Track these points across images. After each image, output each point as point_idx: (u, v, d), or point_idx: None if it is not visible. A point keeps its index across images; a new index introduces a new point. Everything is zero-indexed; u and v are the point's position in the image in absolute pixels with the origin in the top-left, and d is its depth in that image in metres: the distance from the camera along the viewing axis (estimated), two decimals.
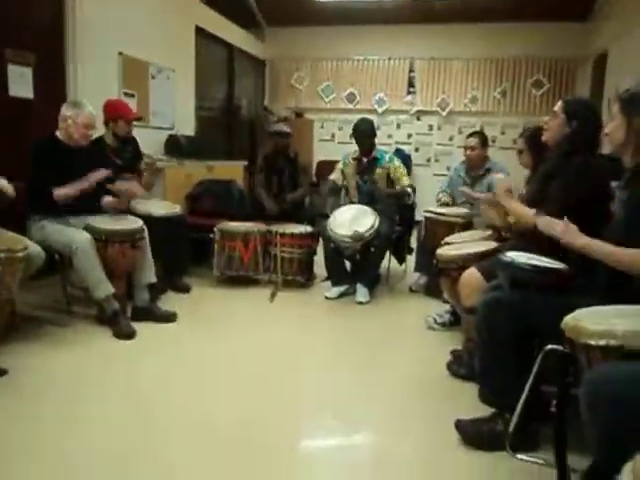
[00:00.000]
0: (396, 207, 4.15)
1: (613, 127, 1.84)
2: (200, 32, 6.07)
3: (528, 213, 2.29)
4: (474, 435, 2.01)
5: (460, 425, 2.05)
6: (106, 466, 1.83)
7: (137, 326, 3.05)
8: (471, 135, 4.19)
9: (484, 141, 4.10)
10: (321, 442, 2.13)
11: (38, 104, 3.85)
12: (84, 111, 3.09)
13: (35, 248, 2.75)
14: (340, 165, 4.30)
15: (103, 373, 2.56)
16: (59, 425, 2.07)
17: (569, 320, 1.52)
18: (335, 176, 4.28)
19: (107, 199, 3.25)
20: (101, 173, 3.15)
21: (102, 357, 2.74)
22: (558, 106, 2.33)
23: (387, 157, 4.17)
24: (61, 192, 3.00)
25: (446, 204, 4.12)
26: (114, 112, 3.58)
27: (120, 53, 4.64)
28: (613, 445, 1.19)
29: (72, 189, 3.03)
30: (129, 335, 2.96)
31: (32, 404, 2.22)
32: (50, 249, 2.92)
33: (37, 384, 2.40)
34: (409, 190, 4.08)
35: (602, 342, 1.38)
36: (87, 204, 3.13)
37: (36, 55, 3.86)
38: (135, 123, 3.84)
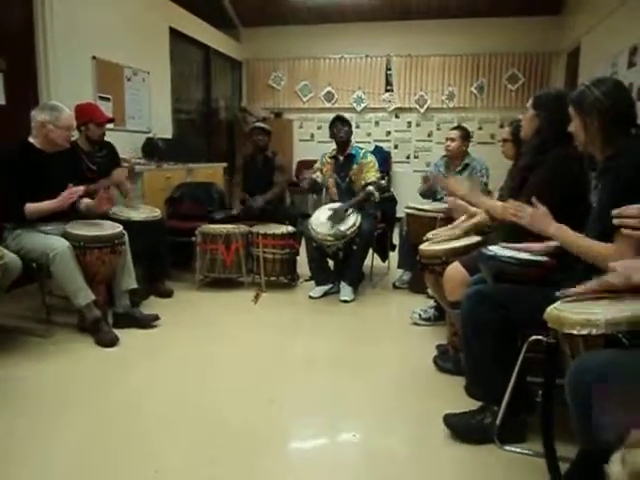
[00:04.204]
0: (377, 204, 4.15)
1: (573, 128, 1.86)
2: (174, 33, 6.01)
3: (497, 204, 2.33)
4: (462, 429, 2.02)
5: (448, 419, 2.06)
6: (91, 476, 1.80)
7: (119, 333, 3.00)
8: (454, 128, 4.25)
9: (465, 135, 4.14)
10: (309, 440, 2.12)
11: (10, 110, 3.77)
12: (64, 114, 3.03)
13: (11, 257, 2.70)
14: (318, 164, 4.28)
15: (86, 381, 2.52)
16: (42, 437, 2.03)
17: (551, 311, 1.53)
18: (314, 174, 4.27)
19: (86, 201, 3.18)
20: (74, 192, 3.01)
21: (84, 366, 2.69)
22: (529, 101, 2.37)
23: (362, 153, 4.16)
24: (33, 209, 2.92)
25: (431, 191, 4.13)
26: (84, 116, 3.51)
27: (94, 57, 4.58)
28: (599, 433, 1.19)
29: (45, 208, 2.94)
30: (111, 342, 2.92)
31: (12, 416, 2.17)
32: (27, 258, 2.86)
33: (18, 396, 2.35)
34: (371, 189, 3.96)
35: (584, 331, 1.39)
36: (61, 213, 3.06)
37: (7, 60, 3.78)
38: (111, 127, 3.79)
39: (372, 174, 4.06)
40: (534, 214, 1.84)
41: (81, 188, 3.06)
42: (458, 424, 2.03)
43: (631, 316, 1.36)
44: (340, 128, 4.07)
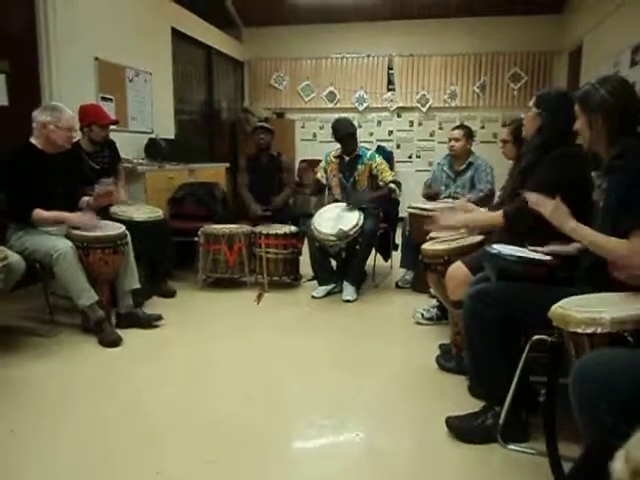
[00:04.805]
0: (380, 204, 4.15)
1: (579, 126, 1.86)
2: (176, 34, 6.02)
3: (494, 216, 2.37)
4: (465, 431, 2.01)
5: (450, 422, 2.05)
6: (93, 476, 1.80)
7: (123, 333, 3.01)
8: (456, 127, 4.24)
9: (469, 134, 4.14)
10: (312, 440, 2.12)
11: (13, 110, 3.78)
12: (65, 114, 3.03)
13: (15, 258, 2.70)
14: (322, 164, 4.29)
15: (89, 382, 2.52)
16: (44, 436, 2.03)
17: (556, 309, 1.53)
18: (319, 175, 4.27)
19: (85, 199, 3.19)
20: (82, 217, 3.03)
21: (88, 366, 2.70)
22: (532, 100, 2.37)
23: (368, 154, 4.17)
24: (40, 217, 2.93)
25: (435, 194, 4.15)
26: (88, 117, 3.52)
27: (96, 58, 4.58)
28: (603, 432, 1.19)
29: (51, 218, 2.96)
30: (115, 342, 2.92)
31: (15, 415, 2.17)
32: (30, 258, 2.86)
33: (21, 395, 2.35)
34: (393, 186, 4.06)
35: (590, 330, 1.39)
36: (64, 210, 3.05)
37: (9, 61, 3.79)
38: (114, 127, 3.79)
39: (388, 174, 4.09)
40: (557, 207, 1.82)
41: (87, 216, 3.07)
42: (460, 426, 2.03)
43: (637, 315, 1.36)
44: (349, 142, 4.10)
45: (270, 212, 4.42)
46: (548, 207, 1.83)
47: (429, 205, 3.93)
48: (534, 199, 1.90)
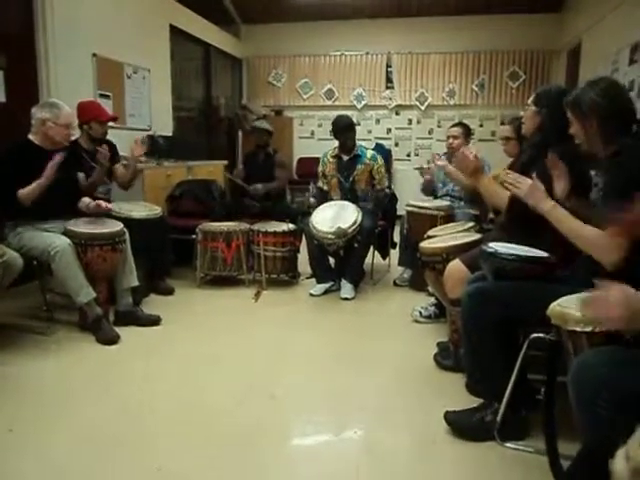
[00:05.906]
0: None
1: (573, 130, 1.86)
2: (175, 31, 6.00)
3: (504, 194, 2.28)
4: (463, 426, 2.02)
5: (449, 417, 2.05)
6: (93, 473, 1.80)
7: (121, 331, 3.00)
8: (455, 125, 4.23)
9: (467, 131, 4.14)
10: (310, 436, 2.12)
11: (10, 107, 3.76)
12: (63, 111, 3.01)
13: (12, 255, 2.70)
14: (320, 168, 4.26)
15: (87, 379, 2.51)
16: (43, 434, 2.03)
17: (555, 307, 1.53)
18: (320, 183, 4.25)
19: (87, 200, 3.19)
20: (55, 160, 2.92)
21: (86, 363, 2.69)
22: (531, 98, 2.37)
23: (369, 154, 4.14)
24: (24, 191, 2.88)
25: (429, 185, 4.15)
26: (86, 114, 3.50)
27: (94, 54, 4.57)
28: (602, 430, 1.19)
29: (34, 186, 2.89)
30: (113, 340, 2.92)
31: (13, 413, 2.17)
32: (28, 255, 2.85)
33: (18, 393, 2.35)
34: (388, 191, 4.19)
35: (588, 328, 1.39)
36: (62, 207, 3.06)
37: (7, 57, 3.78)
38: (112, 124, 3.78)
39: (384, 180, 4.12)
40: (533, 187, 1.82)
41: (59, 155, 2.95)
42: (459, 422, 2.03)
43: None
44: (348, 136, 4.09)
45: (256, 201, 4.42)
46: (524, 187, 1.82)
47: (427, 203, 3.94)
48: (510, 179, 1.89)
